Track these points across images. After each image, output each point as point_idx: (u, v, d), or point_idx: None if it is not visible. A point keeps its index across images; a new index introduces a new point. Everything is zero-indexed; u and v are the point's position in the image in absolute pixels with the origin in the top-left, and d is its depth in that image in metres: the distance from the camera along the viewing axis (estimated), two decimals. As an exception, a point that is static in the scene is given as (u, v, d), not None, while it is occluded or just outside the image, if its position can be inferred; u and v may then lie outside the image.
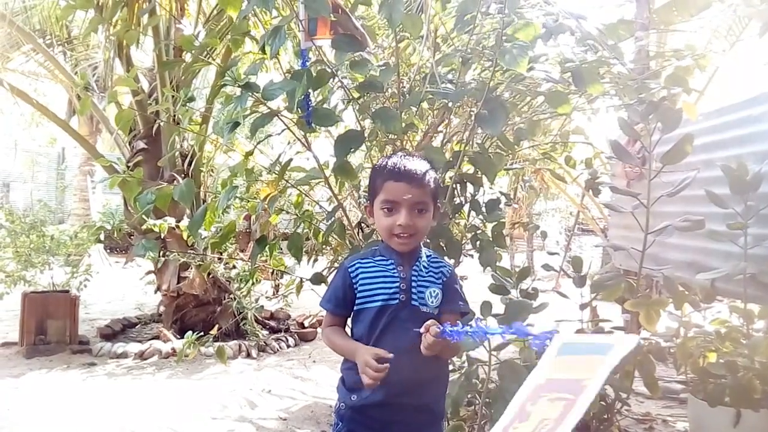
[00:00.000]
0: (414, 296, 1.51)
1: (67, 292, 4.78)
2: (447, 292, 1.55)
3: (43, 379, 3.93)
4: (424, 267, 1.56)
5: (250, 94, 1.95)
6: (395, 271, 1.53)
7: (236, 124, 1.99)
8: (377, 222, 1.58)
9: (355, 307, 1.54)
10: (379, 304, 1.51)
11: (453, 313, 1.55)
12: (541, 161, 3.42)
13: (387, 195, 1.52)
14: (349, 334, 1.60)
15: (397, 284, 1.51)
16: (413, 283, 1.52)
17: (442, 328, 1.31)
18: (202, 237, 3.38)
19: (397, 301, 1.50)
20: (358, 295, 1.54)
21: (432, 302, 1.52)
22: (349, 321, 1.60)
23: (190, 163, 5.08)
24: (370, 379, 1.39)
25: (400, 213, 1.50)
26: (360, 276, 1.54)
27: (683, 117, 2.45)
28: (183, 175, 4.96)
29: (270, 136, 2.77)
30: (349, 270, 1.56)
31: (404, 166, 1.53)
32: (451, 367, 2.69)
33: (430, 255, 1.62)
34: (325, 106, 2.40)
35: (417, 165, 1.54)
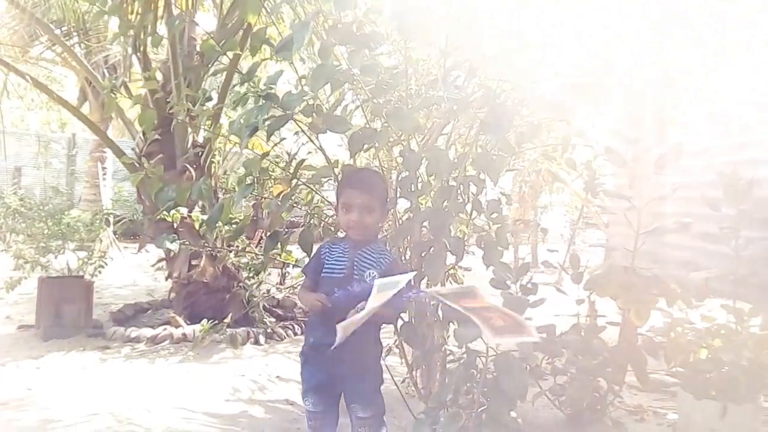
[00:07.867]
0: (355, 272, 2.09)
1: (82, 277, 4.94)
2: (384, 275, 2.02)
3: (62, 360, 4.11)
4: (369, 254, 2.12)
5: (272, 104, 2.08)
6: (347, 253, 2.13)
7: (255, 129, 2.12)
8: (339, 218, 2.15)
9: (321, 275, 2.14)
10: (331, 274, 2.12)
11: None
12: (542, 162, 3.52)
13: (344, 199, 2.13)
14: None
15: (346, 262, 2.12)
16: (356, 263, 2.10)
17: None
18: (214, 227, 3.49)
19: (342, 274, 2.10)
20: (324, 267, 2.14)
21: (368, 279, 2.04)
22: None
23: (202, 154, 5.20)
24: (314, 302, 2.03)
25: (352, 212, 2.08)
26: (325, 256, 2.16)
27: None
28: (194, 166, 5.10)
29: (284, 139, 2.89)
30: (321, 252, 2.19)
31: (357, 178, 2.21)
32: (451, 358, 2.85)
33: (381, 248, 2.19)
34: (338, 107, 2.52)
35: (367, 177, 2.25)
